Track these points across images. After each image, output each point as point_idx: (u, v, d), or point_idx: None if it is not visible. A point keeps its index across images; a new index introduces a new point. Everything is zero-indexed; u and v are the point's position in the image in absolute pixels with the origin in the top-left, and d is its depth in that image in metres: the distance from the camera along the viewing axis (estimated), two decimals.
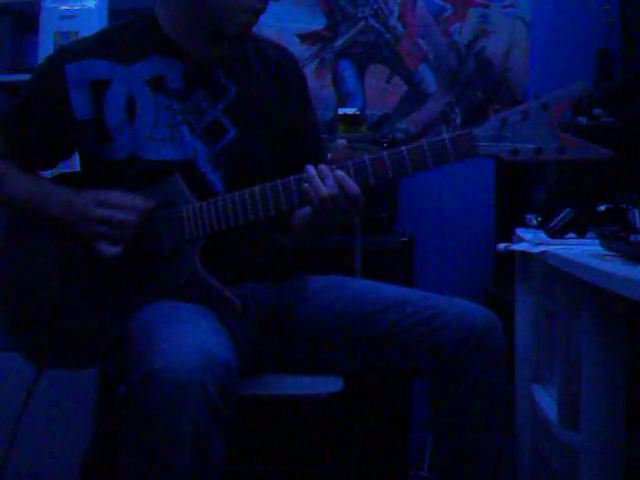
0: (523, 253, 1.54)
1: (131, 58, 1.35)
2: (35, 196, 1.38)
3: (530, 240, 1.53)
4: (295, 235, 1.52)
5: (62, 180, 1.44)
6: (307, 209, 1.37)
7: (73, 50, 1.38)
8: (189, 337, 1.10)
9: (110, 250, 1.31)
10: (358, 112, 2.33)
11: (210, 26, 1.32)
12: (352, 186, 1.22)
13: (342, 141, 1.26)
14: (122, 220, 1.30)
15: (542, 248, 1.40)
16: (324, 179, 1.23)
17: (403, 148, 1.22)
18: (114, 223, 1.30)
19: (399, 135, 2.46)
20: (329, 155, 1.33)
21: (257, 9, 1.31)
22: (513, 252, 1.66)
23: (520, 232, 1.73)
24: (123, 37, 1.38)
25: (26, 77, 1.50)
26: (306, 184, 1.23)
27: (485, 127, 1.19)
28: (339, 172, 1.22)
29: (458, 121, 2.49)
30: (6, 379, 1.97)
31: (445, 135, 1.20)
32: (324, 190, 1.22)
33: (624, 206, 1.26)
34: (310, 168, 1.24)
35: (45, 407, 1.93)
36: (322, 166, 1.24)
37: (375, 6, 2.51)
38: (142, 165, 1.33)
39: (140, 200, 1.31)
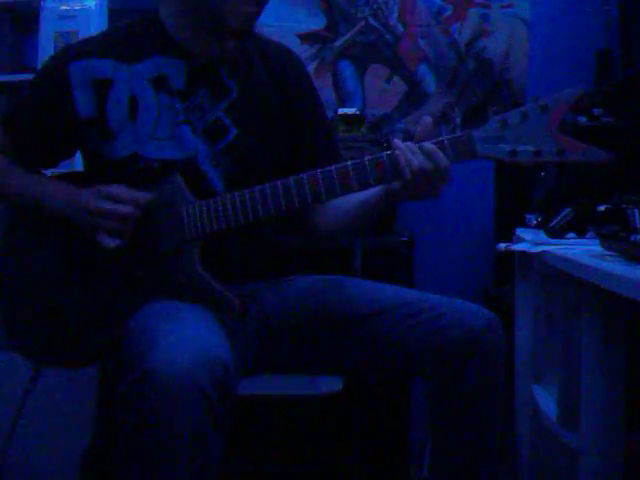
0: (523, 253, 1.54)
1: (134, 57, 1.36)
2: (38, 192, 1.39)
3: (530, 240, 1.53)
4: (321, 238, 1.51)
5: (63, 179, 1.44)
6: (341, 203, 1.36)
7: (77, 49, 1.38)
8: (187, 337, 1.10)
9: (110, 242, 1.32)
10: (358, 112, 2.33)
11: (213, 21, 1.31)
12: (442, 157, 1.20)
13: (428, 117, 1.25)
14: (123, 214, 1.30)
15: (542, 248, 1.40)
16: (414, 153, 1.20)
17: None
18: (115, 216, 1.30)
19: (399, 135, 2.46)
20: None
21: (258, 1, 1.31)
22: (513, 252, 1.66)
23: (520, 232, 1.73)
24: (127, 37, 1.39)
25: (26, 77, 1.51)
26: (401, 159, 1.20)
27: (484, 129, 1.18)
28: (428, 145, 1.20)
29: (458, 121, 2.49)
30: (6, 379, 1.97)
31: (444, 137, 1.20)
32: (416, 162, 1.20)
33: (624, 206, 1.26)
34: (398, 142, 1.22)
35: (45, 407, 1.93)
36: (409, 142, 1.22)
37: (375, 6, 2.52)
38: (144, 164, 1.34)
39: (140, 193, 1.31)
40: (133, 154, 1.34)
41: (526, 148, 1.16)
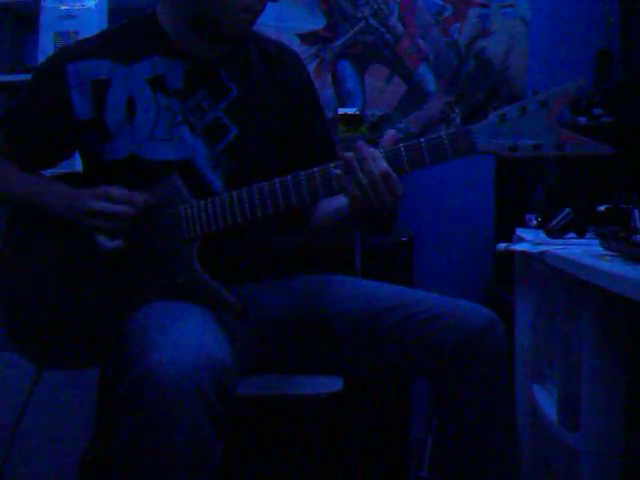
0: (523, 253, 1.54)
1: (132, 58, 1.36)
2: (36, 194, 1.38)
3: (530, 240, 1.53)
4: (316, 233, 1.51)
5: (62, 180, 1.44)
6: (327, 206, 1.37)
7: (74, 50, 1.38)
8: (186, 337, 1.10)
9: (108, 244, 1.31)
10: (358, 112, 2.33)
11: (208, 26, 1.32)
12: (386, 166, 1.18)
13: (392, 131, 1.23)
14: (118, 212, 1.29)
15: (542, 248, 1.40)
16: (374, 160, 1.18)
17: (400, 145, 1.21)
18: (110, 215, 1.30)
19: (399, 135, 2.47)
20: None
21: (255, 9, 1.31)
22: (513, 252, 1.65)
23: (520, 232, 1.73)
24: (124, 37, 1.38)
25: (26, 77, 1.51)
26: (358, 163, 1.18)
27: (483, 123, 1.17)
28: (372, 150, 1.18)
29: (458, 121, 2.49)
30: (6, 379, 1.97)
31: (443, 132, 1.19)
32: (374, 167, 1.17)
33: (624, 206, 1.26)
34: (362, 144, 1.19)
35: (45, 407, 1.93)
36: (372, 148, 1.19)
37: (375, 6, 2.52)
38: (142, 165, 1.33)
39: (138, 194, 1.31)
40: (131, 155, 1.34)
41: (525, 142, 1.16)
